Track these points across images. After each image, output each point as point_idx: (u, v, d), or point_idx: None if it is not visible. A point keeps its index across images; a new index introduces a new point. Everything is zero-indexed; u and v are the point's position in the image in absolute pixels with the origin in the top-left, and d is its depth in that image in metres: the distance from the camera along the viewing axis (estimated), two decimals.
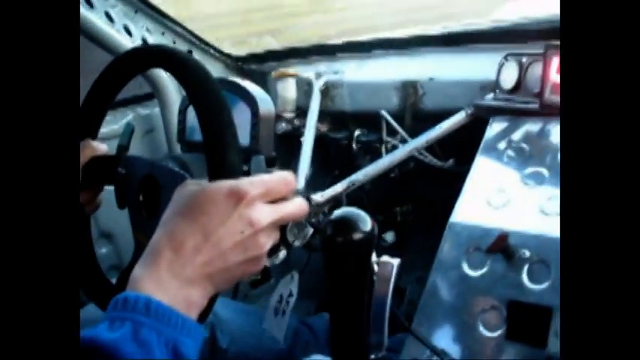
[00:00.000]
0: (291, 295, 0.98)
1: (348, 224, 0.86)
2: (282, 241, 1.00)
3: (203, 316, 0.70)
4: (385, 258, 0.89)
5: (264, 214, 0.69)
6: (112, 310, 0.63)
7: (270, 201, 0.70)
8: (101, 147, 0.98)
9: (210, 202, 0.68)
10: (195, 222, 0.67)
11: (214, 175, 0.72)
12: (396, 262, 0.89)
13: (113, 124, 1.70)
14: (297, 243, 1.02)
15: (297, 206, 0.73)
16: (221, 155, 0.73)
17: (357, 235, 0.85)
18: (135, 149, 1.67)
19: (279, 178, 0.72)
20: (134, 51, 0.93)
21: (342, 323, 0.89)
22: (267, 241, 0.70)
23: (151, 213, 0.90)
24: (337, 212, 0.88)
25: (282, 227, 1.01)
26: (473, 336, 1.08)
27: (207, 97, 0.75)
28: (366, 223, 0.86)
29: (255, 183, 0.69)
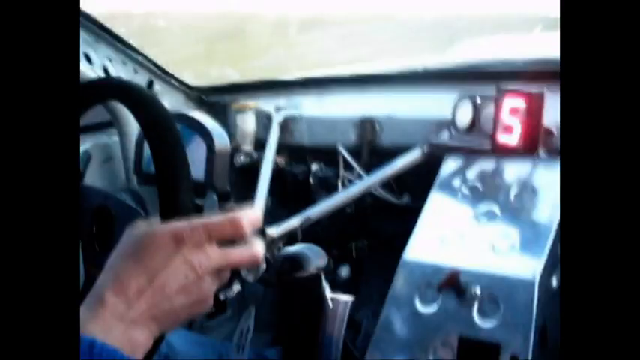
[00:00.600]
0: (248, 330, 0.98)
1: (301, 260, 0.86)
2: (236, 276, 1.00)
3: (149, 356, 0.69)
4: (338, 295, 0.89)
5: (208, 258, 0.68)
6: None
7: (220, 242, 0.69)
8: None
9: (155, 244, 0.67)
10: (139, 264, 0.67)
11: (165, 215, 0.72)
12: (349, 299, 0.89)
13: None
14: (250, 278, 1.02)
15: (247, 252, 0.72)
16: (172, 196, 0.72)
17: (310, 271, 0.85)
18: (92, 178, 1.66)
19: (224, 219, 0.70)
20: (92, 83, 0.93)
21: (294, 358, 0.89)
22: (212, 286, 0.70)
23: (103, 245, 0.89)
24: (291, 248, 0.89)
25: None
26: None
27: (161, 136, 0.75)
28: (319, 258, 0.86)
29: (197, 226, 0.68)
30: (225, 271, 0.72)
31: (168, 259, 0.67)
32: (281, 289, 0.87)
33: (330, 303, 0.88)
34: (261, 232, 1.44)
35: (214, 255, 0.69)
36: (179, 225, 0.69)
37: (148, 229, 0.69)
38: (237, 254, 0.71)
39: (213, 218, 0.70)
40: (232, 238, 0.70)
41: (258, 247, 0.72)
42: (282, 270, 0.86)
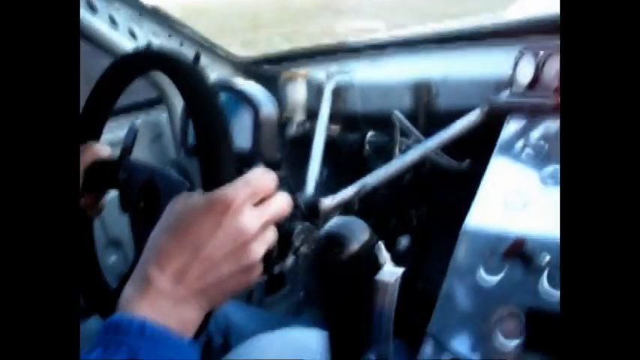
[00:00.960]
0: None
1: (340, 239, 0.80)
2: (289, 247, 0.97)
3: (199, 333, 0.67)
4: (387, 269, 0.84)
5: (253, 219, 0.66)
6: (105, 333, 0.61)
7: (257, 202, 0.68)
8: (103, 151, 0.96)
9: (197, 215, 0.65)
10: (183, 238, 0.65)
11: (207, 187, 0.69)
12: (398, 272, 0.84)
13: (120, 130, 1.66)
14: (304, 249, 0.99)
15: (281, 202, 0.71)
16: (214, 168, 0.70)
17: (352, 250, 0.79)
18: (143, 155, 1.65)
19: (261, 174, 0.69)
20: (132, 54, 0.91)
21: (340, 338, 0.85)
22: (260, 247, 0.68)
23: (151, 220, 0.87)
24: (330, 223, 0.83)
25: (288, 234, 0.96)
26: (490, 345, 1.03)
27: (202, 106, 0.72)
28: (363, 233, 0.81)
29: (240, 187, 0.67)
30: (269, 231, 0.69)
31: (212, 229, 0.65)
32: (319, 272, 0.83)
33: (379, 282, 0.82)
34: (313, 206, 1.40)
35: (256, 215, 0.67)
36: (218, 193, 0.66)
37: (188, 203, 0.67)
38: (274, 207, 0.70)
39: (248, 176, 0.69)
40: (270, 192, 0.69)
41: (285, 195, 0.72)
42: (319, 250, 0.81)
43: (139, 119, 1.78)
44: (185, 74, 0.75)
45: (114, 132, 1.51)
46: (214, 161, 0.70)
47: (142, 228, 0.88)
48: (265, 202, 0.69)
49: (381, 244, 0.92)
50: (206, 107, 0.72)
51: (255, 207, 0.67)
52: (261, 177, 0.69)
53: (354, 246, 0.80)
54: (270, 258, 0.74)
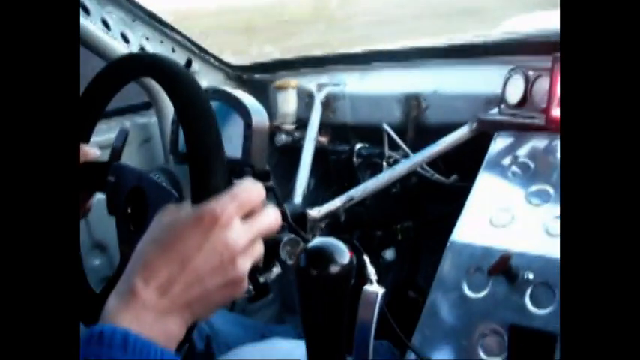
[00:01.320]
0: None
1: (323, 256, 0.81)
2: (276, 259, 0.97)
3: (181, 345, 0.67)
4: (369, 286, 0.85)
5: (241, 234, 0.66)
6: (87, 344, 0.60)
7: (245, 215, 0.68)
8: (92, 153, 0.95)
9: (185, 229, 0.65)
10: (170, 251, 0.65)
11: (197, 198, 0.69)
12: (380, 291, 0.84)
13: (110, 132, 1.66)
14: (289, 260, 0.99)
15: (270, 218, 0.71)
16: (204, 179, 0.70)
17: (334, 269, 0.80)
18: (131, 159, 1.64)
19: (248, 187, 0.69)
20: (125, 58, 0.91)
21: (319, 348, 0.85)
22: (247, 262, 0.67)
23: (137, 226, 0.86)
24: (313, 241, 0.84)
25: (275, 245, 0.96)
26: None
27: (194, 116, 0.72)
28: (344, 254, 0.81)
29: (228, 201, 0.67)
30: (256, 245, 0.69)
31: (199, 243, 0.64)
32: (301, 287, 0.83)
33: (365, 294, 0.83)
34: (300, 216, 1.41)
35: (244, 229, 0.67)
36: (206, 207, 0.66)
37: (176, 215, 0.67)
38: (262, 222, 0.70)
39: (236, 190, 0.68)
40: (257, 206, 0.69)
41: (275, 210, 0.72)
42: (301, 266, 0.81)
43: (129, 122, 1.79)
44: (177, 82, 0.75)
45: (103, 134, 1.51)
46: (205, 173, 0.70)
47: (128, 233, 0.88)
48: (254, 216, 0.69)
49: (366, 259, 0.93)
50: (198, 117, 0.71)
51: (244, 221, 0.67)
52: (250, 190, 0.69)
53: (334, 268, 0.80)
54: (256, 271, 0.74)
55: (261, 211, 0.70)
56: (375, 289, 0.84)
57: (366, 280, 0.86)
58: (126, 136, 0.97)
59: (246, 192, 0.68)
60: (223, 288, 0.66)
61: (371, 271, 0.95)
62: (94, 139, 0.96)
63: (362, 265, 0.91)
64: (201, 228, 0.65)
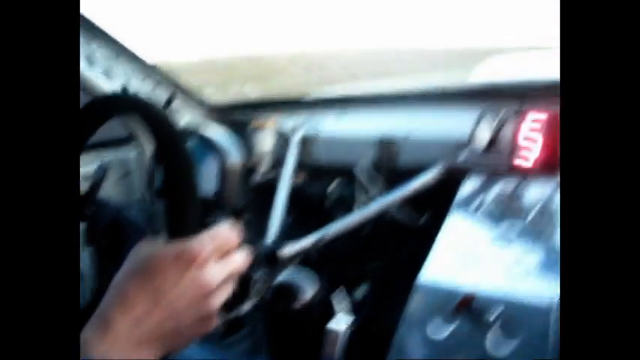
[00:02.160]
0: None
1: (291, 290, 0.83)
2: (247, 293, 0.99)
3: None
4: (338, 318, 0.87)
5: (215, 273, 0.70)
6: None
7: (221, 255, 0.71)
8: None
9: (163, 264, 0.68)
10: (147, 285, 0.67)
11: (172, 235, 0.72)
12: (342, 327, 0.87)
13: (90, 166, 1.69)
14: (261, 295, 1.01)
15: (242, 259, 0.74)
16: (179, 217, 0.72)
17: (303, 302, 0.82)
18: (110, 191, 1.66)
19: (227, 231, 0.72)
20: (108, 97, 0.93)
21: None
22: (219, 299, 0.71)
23: (113, 257, 0.89)
24: (283, 275, 0.86)
25: (246, 282, 0.99)
26: None
27: (170, 154, 0.74)
28: (308, 290, 0.83)
29: (207, 242, 0.70)
30: (229, 284, 0.72)
31: (176, 279, 0.67)
32: (268, 322, 0.85)
33: (328, 332, 0.85)
34: (272, 254, 1.43)
35: (219, 269, 0.70)
36: (186, 245, 0.69)
37: (153, 251, 0.70)
38: (236, 262, 0.73)
39: (214, 232, 0.71)
40: (231, 249, 0.72)
41: (244, 253, 0.75)
42: (268, 301, 0.84)
43: (110, 156, 1.81)
44: (156, 124, 0.77)
45: (83, 167, 1.53)
46: (180, 212, 0.72)
47: (104, 263, 0.91)
48: (229, 256, 0.72)
49: (338, 293, 0.95)
50: (175, 157, 0.74)
51: (219, 261, 0.70)
52: (227, 233, 0.72)
53: (304, 297, 0.82)
54: (227, 306, 0.76)
55: (235, 251, 0.73)
56: (338, 326, 0.86)
57: (331, 316, 0.88)
58: (105, 171, 1.00)
59: (224, 235, 0.72)
60: (196, 323, 0.69)
61: (343, 305, 0.96)
62: None
63: (328, 300, 0.93)
64: (179, 265, 0.68)
